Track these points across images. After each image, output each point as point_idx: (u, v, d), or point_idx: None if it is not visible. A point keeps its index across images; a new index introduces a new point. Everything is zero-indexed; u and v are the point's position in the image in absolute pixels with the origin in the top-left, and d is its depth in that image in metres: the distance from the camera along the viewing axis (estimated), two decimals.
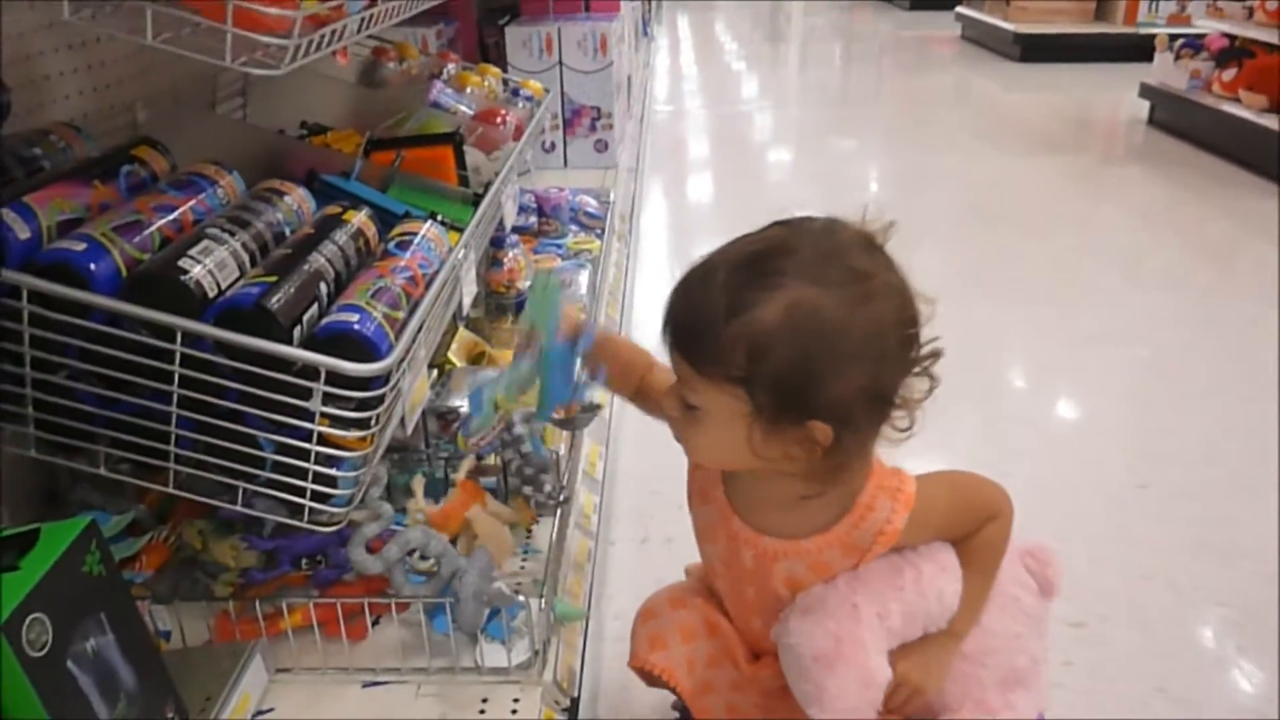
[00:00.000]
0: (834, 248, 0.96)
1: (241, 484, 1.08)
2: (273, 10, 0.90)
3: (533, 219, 2.36)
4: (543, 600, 1.17)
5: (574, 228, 2.42)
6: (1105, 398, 2.58)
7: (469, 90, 2.21)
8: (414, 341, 1.11)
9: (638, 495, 2.01)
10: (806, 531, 1.08)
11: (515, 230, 2.35)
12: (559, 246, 2.25)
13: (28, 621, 0.81)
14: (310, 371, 1.01)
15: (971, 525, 1.12)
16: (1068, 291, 3.29)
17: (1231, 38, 4.83)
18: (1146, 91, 5.35)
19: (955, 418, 2.27)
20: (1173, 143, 5.06)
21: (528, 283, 1.98)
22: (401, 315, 1.12)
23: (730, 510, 1.13)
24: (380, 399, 1.06)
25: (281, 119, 1.93)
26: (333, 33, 1.06)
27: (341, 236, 1.21)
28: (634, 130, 3.79)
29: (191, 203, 1.18)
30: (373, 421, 1.06)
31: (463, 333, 1.68)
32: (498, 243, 1.89)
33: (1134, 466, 2.21)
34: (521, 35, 3.12)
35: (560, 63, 3.13)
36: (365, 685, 1.16)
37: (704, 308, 0.96)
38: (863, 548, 1.06)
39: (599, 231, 2.40)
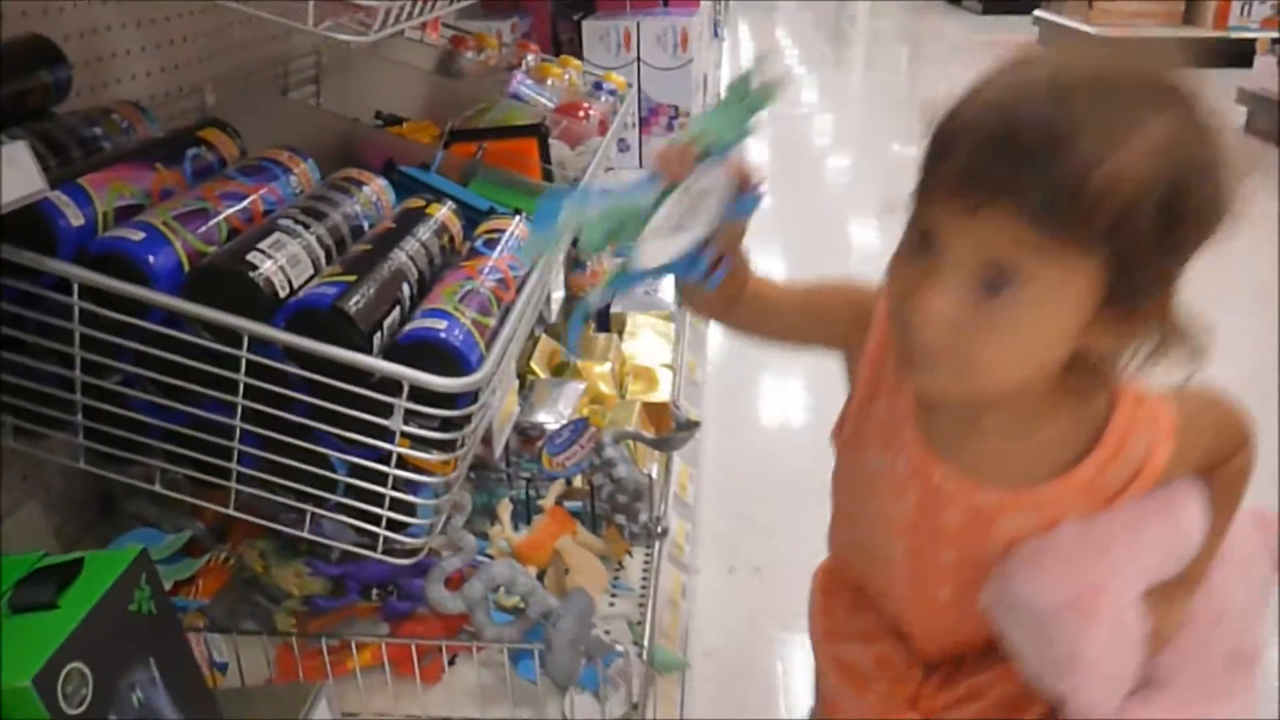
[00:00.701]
0: (1164, 72, 0.71)
1: (310, 508, 0.96)
2: None
3: None
4: (642, 648, 1.03)
5: None
6: None
7: (550, 82, 2.09)
8: (505, 352, 0.98)
9: (724, 519, 1.86)
10: (1043, 474, 0.82)
11: None
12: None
13: (64, 673, 0.69)
14: (391, 384, 0.89)
15: (1226, 453, 0.88)
16: None
17: None
18: (1244, 97, 5.08)
19: None
20: (1272, 151, 4.79)
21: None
22: (492, 322, 0.99)
23: (931, 456, 0.84)
24: (468, 417, 0.93)
25: (355, 108, 1.82)
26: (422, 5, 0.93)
27: (425, 232, 1.09)
28: None
29: (262, 191, 1.06)
30: (459, 443, 0.93)
31: (544, 341, 1.55)
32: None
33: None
34: (599, 29, 3.00)
35: (639, 59, 3.00)
36: None
37: (1059, 138, 0.66)
38: (1112, 492, 0.82)
39: None
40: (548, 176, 1.60)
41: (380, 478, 0.92)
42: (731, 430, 1.80)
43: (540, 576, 1.17)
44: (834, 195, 4.54)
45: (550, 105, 1.96)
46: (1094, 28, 7.11)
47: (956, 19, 10.69)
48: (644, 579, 1.23)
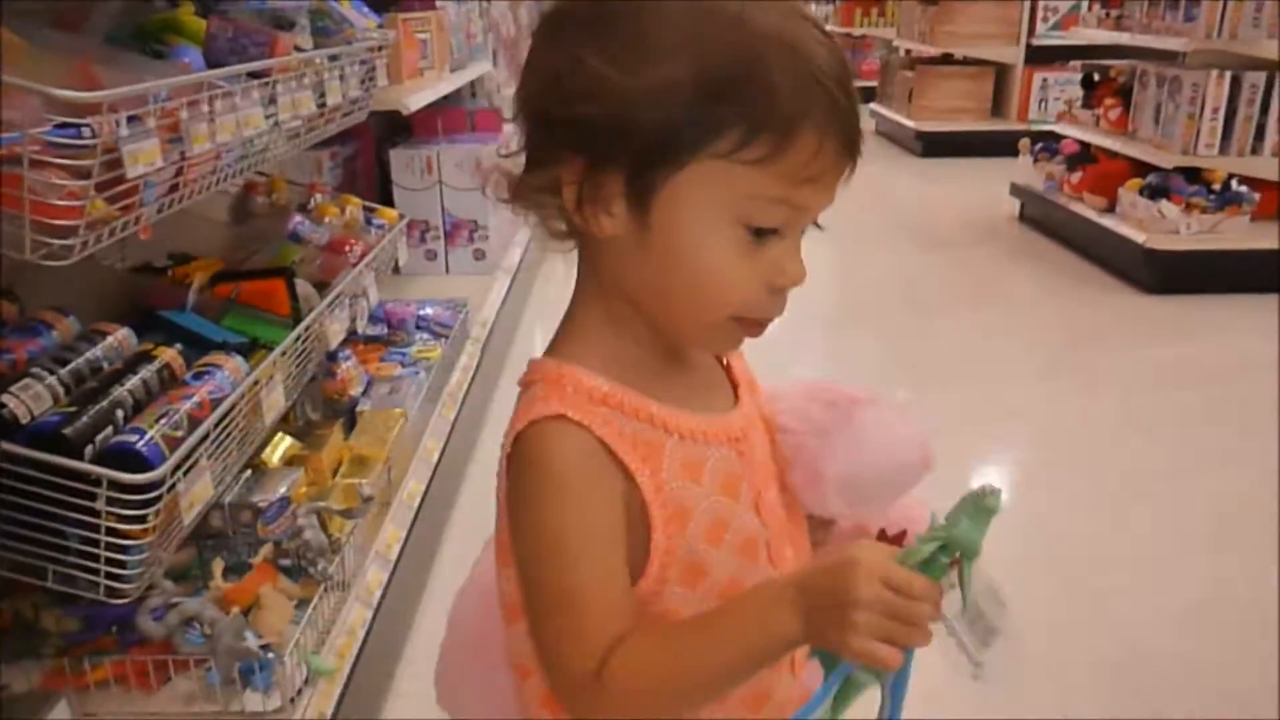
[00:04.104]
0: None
1: (51, 566, 1.40)
2: (59, 220, 1.24)
3: (383, 329, 2.72)
4: (293, 658, 1.49)
5: (425, 336, 2.77)
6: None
7: (327, 220, 2.57)
8: (191, 454, 1.44)
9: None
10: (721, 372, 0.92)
11: (369, 339, 2.70)
12: (403, 355, 2.60)
13: None
14: (99, 479, 1.34)
15: None
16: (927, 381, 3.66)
17: (1084, 144, 5.31)
18: (1016, 190, 5.83)
19: None
20: (1041, 239, 5.51)
21: (360, 389, 2.31)
22: (180, 434, 1.45)
23: (717, 424, 0.85)
24: (158, 499, 1.38)
25: (158, 250, 2.27)
26: (123, 224, 1.40)
27: (147, 371, 1.55)
28: (523, 235, 4.16)
29: (29, 346, 1.52)
30: (149, 517, 1.38)
31: (288, 441, 2.02)
32: (332, 356, 2.23)
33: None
34: (405, 158, 3.51)
35: (440, 181, 3.52)
36: None
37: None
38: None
39: (447, 338, 2.75)
40: (297, 309, 2.07)
41: (98, 543, 1.37)
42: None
43: (246, 613, 1.61)
44: None
45: (323, 242, 2.44)
46: (914, 121, 7.94)
47: None
48: (330, 613, 1.69)
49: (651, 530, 0.78)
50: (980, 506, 0.73)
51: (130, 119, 1.33)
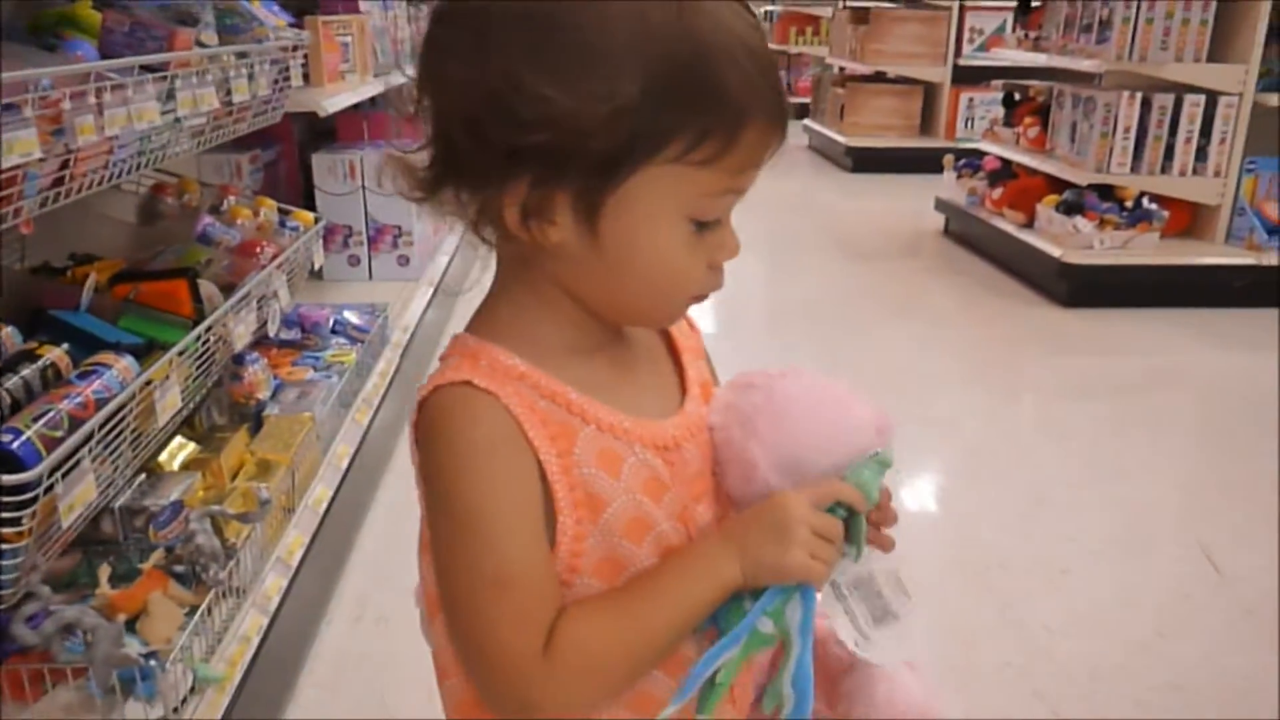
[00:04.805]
0: None
1: None
2: None
3: (298, 333, 2.67)
4: (178, 666, 1.44)
5: (341, 340, 2.72)
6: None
7: (239, 223, 2.52)
8: (72, 455, 1.40)
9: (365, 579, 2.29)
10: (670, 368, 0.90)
11: (283, 344, 2.65)
12: (316, 359, 2.56)
13: None
14: None
15: None
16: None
17: (1005, 161, 5.44)
18: (941, 205, 5.95)
19: None
20: (964, 252, 5.63)
21: (267, 393, 2.26)
22: (60, 434, 1.40)
23: (650, 426, 0.81)
24: (33, 501, 1.33)
25: (60, 253, 2.20)
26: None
27: (29, 370, 1.50)
28: (452, 242, 4.12)
29: None
30: (24, 520, 1.33)
31: (190, 446, 1.97)
32: (238, 359, 2.18)
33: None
34: (328, 162, 3.46)
35: (363, 186, 3.48)
36: None
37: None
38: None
39: (363, 343, 2.72)
40: (200, 311, 2.02)
41: None
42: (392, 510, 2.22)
43: (134, 620, 1.56)
44: None
45: (234, 244, 2.39)
46: (844, 137, 8.06)
47: None
48: (224, 620, 1.64)
49: (557, 513, 0.75)
50: (880, 461, 0.82)
51: (8, 107, 1.29)
